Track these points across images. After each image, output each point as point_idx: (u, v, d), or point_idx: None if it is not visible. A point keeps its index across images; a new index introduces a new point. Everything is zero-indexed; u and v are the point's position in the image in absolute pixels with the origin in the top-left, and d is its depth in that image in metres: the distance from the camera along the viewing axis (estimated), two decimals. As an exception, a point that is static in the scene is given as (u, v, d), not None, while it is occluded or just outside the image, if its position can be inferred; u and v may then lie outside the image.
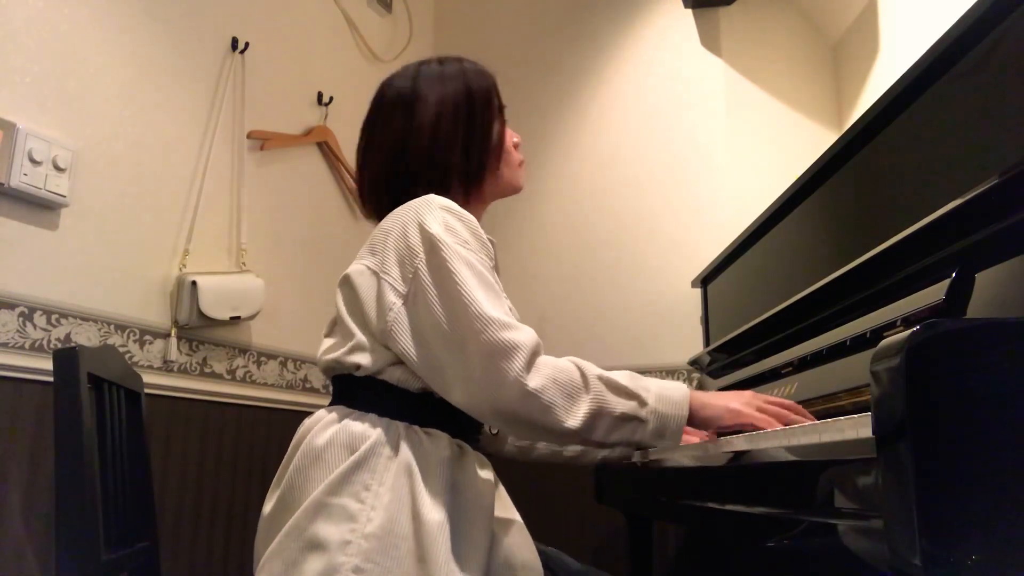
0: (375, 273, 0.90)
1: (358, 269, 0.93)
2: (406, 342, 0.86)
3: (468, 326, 0.80)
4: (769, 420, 0.87)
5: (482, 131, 1.03)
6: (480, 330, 0.79)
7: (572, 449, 1.25)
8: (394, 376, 0.91)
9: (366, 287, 0.90)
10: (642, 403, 0.85)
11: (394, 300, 0.87)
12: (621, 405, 0.84)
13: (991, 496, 0.46)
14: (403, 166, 1.00)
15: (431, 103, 1.01)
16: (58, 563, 0.91)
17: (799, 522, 0.69)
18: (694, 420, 0.88)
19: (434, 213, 0.90)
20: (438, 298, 0.84)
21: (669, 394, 0.87)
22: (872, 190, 1.13)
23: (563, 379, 0.82)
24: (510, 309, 0.96)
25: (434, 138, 0.99)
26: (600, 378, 0.85)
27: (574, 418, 0.81)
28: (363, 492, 0.83)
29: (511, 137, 1.10)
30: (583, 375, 0.84)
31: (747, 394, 0.91)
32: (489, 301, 0.82)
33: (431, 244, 0.86)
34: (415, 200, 0.93)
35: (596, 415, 0.82)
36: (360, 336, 0.91)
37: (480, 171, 1.02)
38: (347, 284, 0.94)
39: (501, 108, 1.08)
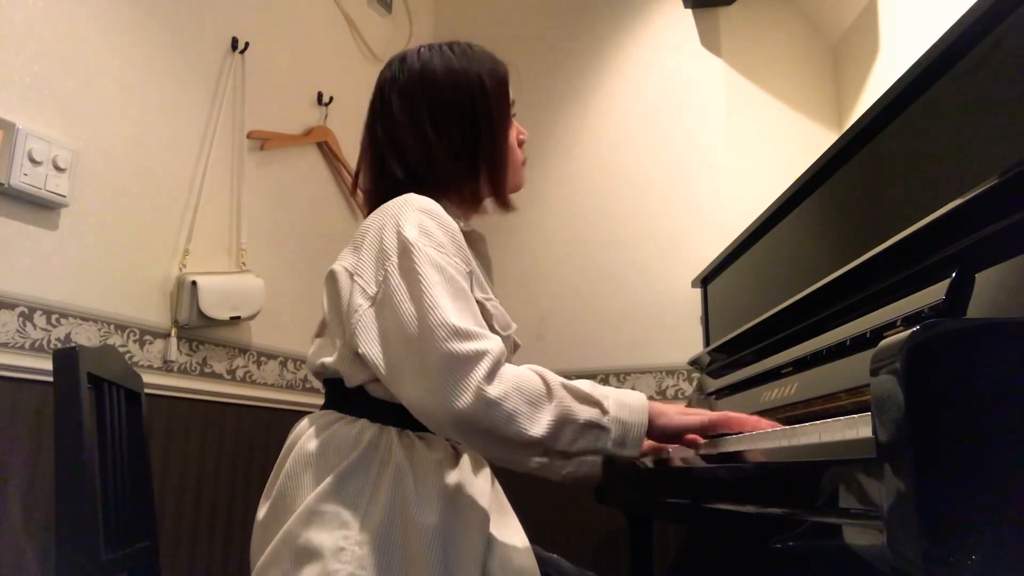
0: (350, 275, 0.89)
1: (339, 269, 0.92)
2: (368, 344, 0.84)
3: (429, 333, 0.78)
4: (739, 420, 0.88)
5: (489, 132, 0.99)
6: (442, 339, 0.77)
7: (536, 461, 1.19)
8: (378, 392, 0.90)
9: (343, 288, 0.90)
10: (604, 411, 0.83)
11: (361, 302, 0.86)
12: (585, 412, 0.82)
13: (991, 496, 0.46)
14: (400, 163, 0.98)
15: (436, 95, 0.98)
16: (58, 563, 0.91)
17: (799, 522, 0.69)
18: (653, 428, 0.87)
19: (411, 215, 0.87)
20: (404, 302, 0.81)
21: (629, 402, 0.86)
22: (872, 190, 1.13)
23: (526, 387, 0.79)
24: (493, 308, 0.94)
25: (437, 136, 0.97)
26: (563, 386, 0.83)
27: (538, 426, 0.78)
28: (356, 498, 0.82)
29: (517, 133, 1.05)
30: (546, 383, 0.81)
31: (702, 410, 0.92)
32: (455, 309, 0.80)
33: (404, 247, 0.84)
34: (396, 199, 0.91)
35: (561, 423, 0.80)
36: (338, 346, 0.90)
37: (479, 174, 1.00)
38: (331, 281, 0.92)
39: (511, 103, 1.03)
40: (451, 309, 0.79)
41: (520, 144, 1.06)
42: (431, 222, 0.88)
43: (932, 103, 0.97)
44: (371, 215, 0.94)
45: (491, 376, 0.77)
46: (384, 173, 0.99)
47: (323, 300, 0.94)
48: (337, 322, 0.91)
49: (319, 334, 0.98)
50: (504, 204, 1.04)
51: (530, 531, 0.96)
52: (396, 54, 1.04)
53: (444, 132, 0.97)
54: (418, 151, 0.97)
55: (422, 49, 1.01)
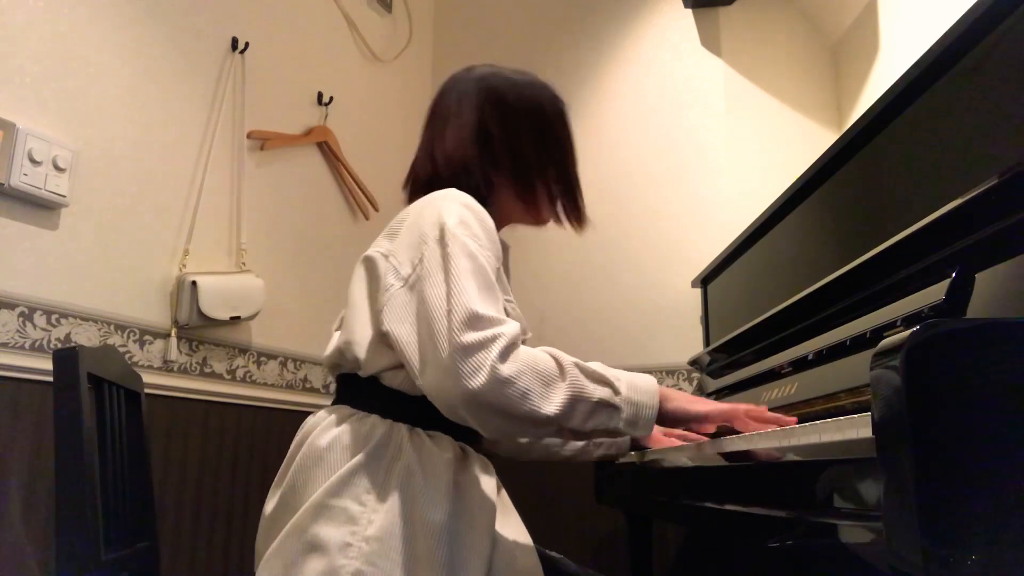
0: (385, 256, 0.91)
1: (375, 254, 0.93)
2: (395, 323, 0.85)
3: (451, 316, 0.79)
4: (744, 418, 0.88)
5: (549, 161, 1.11)
6: (461, 321, 0.78)
7: (571, 447, 1.25)
8: (394, 381, 0.91)
9: (382, 272, 0.91)
10: (616, 391, 0.84)
11: (393, 282, 0.88)
12: (598, 391, 0.83)
13: (991, 496, 0.46)
14: (487, 156, 1.04)
15: (531, 119, 1.09)
16: (58, 563, 0.91)
17: (799, 522, 0.69)
18: (662, 412, 0.87)
19: (452, 205, 0.90)
20: (435, 285, 0.83)
21: (640, 383, 0.87)
22: (872, 190, 1.13)
23: (539, 366, 0.81)
24: (512, 310, 0.96)
25: (526, 153, 1.07)
26: (576, 365, 0.84)
27: (551, 404, 0.79)
28: (364, 494, 0.83)
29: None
30: (559, 362, 0.83)
31: (709, 401, 0.92)
32: (480, 295, 0.81)
33: (442, 233, 0.87)
34: (437, 192, 0.95)
35: (574, 401, 0.81)
36: (363, 329, 0.91)
37: (513, 193, 1.07)
38: (370, 266, 0.94)
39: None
40: (476, 296, 0.81)
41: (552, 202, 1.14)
42: (470, 215, 0.90)
43: (932, 103, 0.97)
44: (411, 204, 0.96)
45: (505, 356, 0.78)
46: (431, 167, 1.05)
47: (352, 288, 0.95)
48: (367, 305, 0.92)
49: (339, 327, 0.99)
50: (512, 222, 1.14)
51: (531, 531, 0.96)
52: (471, 67, 1.13)
53: (518, 146, 1.06)
54: (486, 153, 1.04)
55: (511, 76, 1.11)
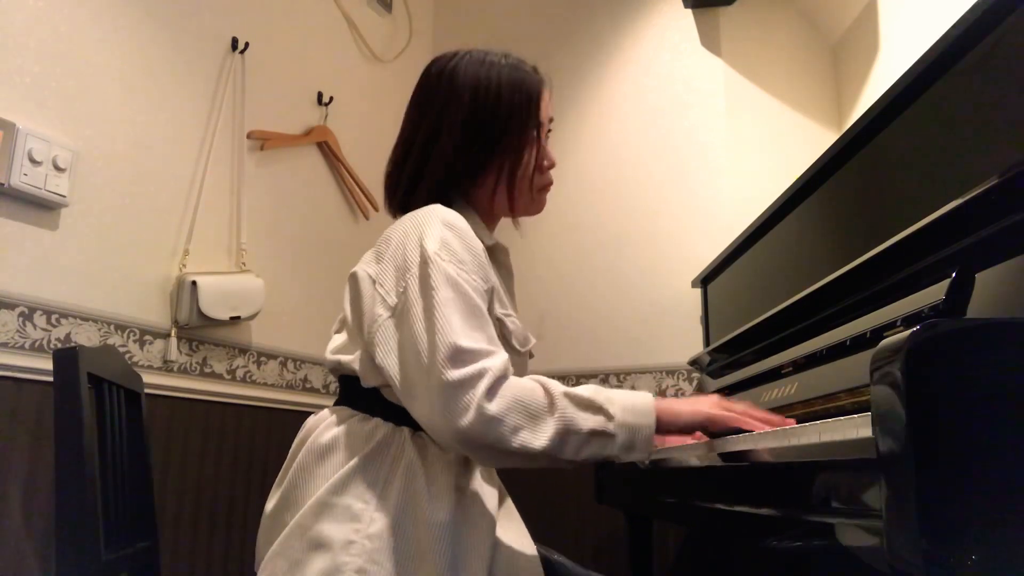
0: (373, 282, 0.89)
1: (362, 274, 0.91)
2: (385, 356, 0.84)
3: (434, 353, 0.78)
4: (745, 418, 0.87)
5: (501, 147, 0.97)
6: (445, 358, 0.77)
7: None
8: (391, 396, 0.90)
9: (366, 294, 0.89)
10: (609, 417, 0.82)
11: (381, 311, 0.86)
12: (589, 421, 0.81)
13: (991, 496, 0.46)
14: (412, 163, 1.00)
15: (452, 99, 0.97)
16: (58, 563, 0.91)
17: (799, 522, 0.69)
18: (664, 426, 0.86)
19: (434, 228, 0.87)
20: (419, 317, 0.82)
21: (635, 404, 0.84)
22: (872, 190, 1.13)
23: (527, 400, 0.79)
24: (512, 325, 0.94)
25: (445, 140, 0.96)
26: (566, 395, 0.82)
27: (541, 439, 0.78)
28: (367, 492, 0.83)
29: (545, 158, 1.02)
30: (548, 394, 0.81)
31: (712, 397, 0.90)
32: (464, 328, 0.80)
33: (424, 260, 0.84)
34: (421, 210, 0.91)
35: (564, 434, 0.80)
36: (359, 349, 0.91)
37: (492, 190, 0.99)
38: (354, 283, 0.92)
39: (540, 123, 0.99)
40: (459, 328, 0.79)
41: (543, 169, 1.03)
42: (453, 237, 0.87)
43: (932, 103, 0.97)
44: (396, 223, 0.93)
45: (491, 393, 0.77)
46: (401, 166, 1.03)
47: (344, 299, 0.94)
48: (357, 324, 0.91)
49: (339, 330, 0.98)
50: (515, 224, 1.08)
51: (530, 530, 0.96)
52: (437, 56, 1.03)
53: (451, 137, 0.96)
54: (426, 152, 0.98)
55: (458, 52, 1.00)
